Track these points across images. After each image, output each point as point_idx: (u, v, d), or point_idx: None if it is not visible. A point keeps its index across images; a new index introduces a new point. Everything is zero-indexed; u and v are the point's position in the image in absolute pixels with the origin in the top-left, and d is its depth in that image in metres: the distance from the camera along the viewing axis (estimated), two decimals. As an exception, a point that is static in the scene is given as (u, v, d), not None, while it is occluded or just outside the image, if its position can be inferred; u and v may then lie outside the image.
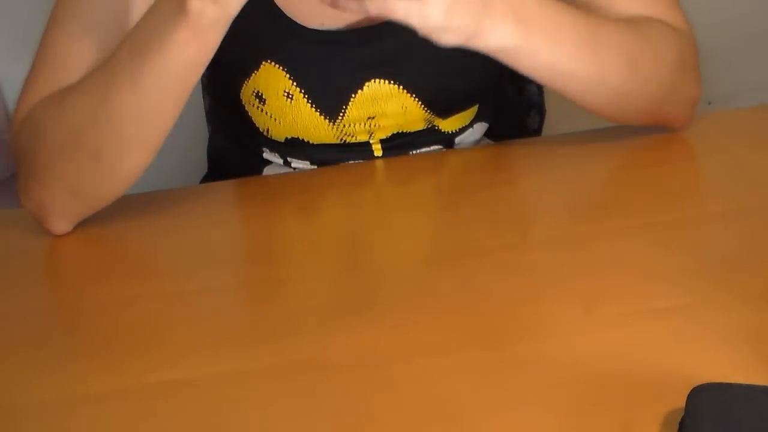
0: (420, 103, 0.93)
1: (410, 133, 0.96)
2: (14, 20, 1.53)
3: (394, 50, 0.90)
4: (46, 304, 0.79)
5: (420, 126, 0.95)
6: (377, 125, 0.94)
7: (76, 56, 0.83)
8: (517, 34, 0.76)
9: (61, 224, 0.84)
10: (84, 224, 0.85)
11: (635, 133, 0.91)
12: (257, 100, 0.92)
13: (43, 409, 0.65)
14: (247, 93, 0.93)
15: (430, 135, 0.97)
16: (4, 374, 0.69)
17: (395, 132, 0.95)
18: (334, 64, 0.91)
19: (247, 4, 0.71)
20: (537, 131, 1.14)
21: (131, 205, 0.87)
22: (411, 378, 0.64)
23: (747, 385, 0.57)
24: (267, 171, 1.00)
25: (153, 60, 0.74)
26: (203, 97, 1.13)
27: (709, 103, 1.31)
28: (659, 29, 0.86)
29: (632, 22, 0.85)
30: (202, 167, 1.14)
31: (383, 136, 0.95)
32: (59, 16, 0.84)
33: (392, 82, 0.91)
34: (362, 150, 0.96)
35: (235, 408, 0.63)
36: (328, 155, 0.96)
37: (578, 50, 0.80)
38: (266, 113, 0.93)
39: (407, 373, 0.65)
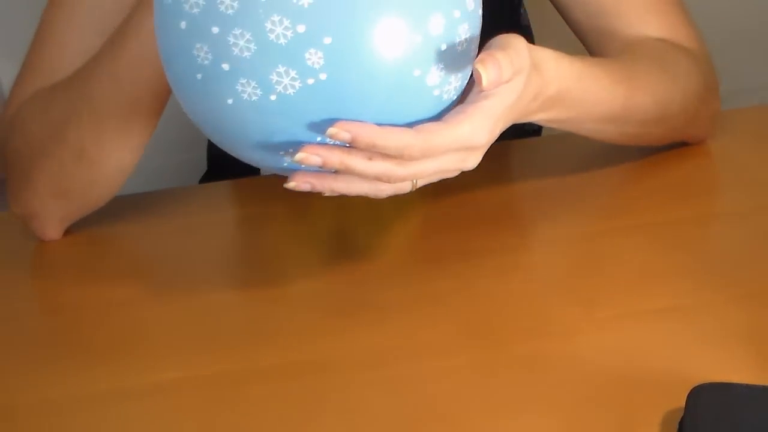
0: None
1: None
2: (13, 20, 1.52)
3: None
4: (45, 305, 0.79)
5: None
6: None
7: (64, 61, 0.82)
8: (552, 119, 0.75)
9: (50, 230, 0.85)
10: (82, 224, 0.85)
11: (635, 133, 0.90)
12: None
13: (42, 410, 0.65)
14: None
15: None
16: (4, 374, 0.69)
17: None
18: None
19: None
20: (537, 131, 1.14)
21: (128, 206, 0.87)
22: (411, 378, 0.64)
23: (747, 385, 0.57)
24: (264, 171, 0.99)
25: (128, 49, 0.74)
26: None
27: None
28: (683, 63, 0.85)
29: (658, 62, 0.83)
30: (202, 167, 1.13)
31: None
32: (48, 19, 0.84)
33: None
34: None
35: (235, 408, 0.63)
36: None
37: (607, 120, 0.80)
38: None
39: (407, 373, 0.65)
